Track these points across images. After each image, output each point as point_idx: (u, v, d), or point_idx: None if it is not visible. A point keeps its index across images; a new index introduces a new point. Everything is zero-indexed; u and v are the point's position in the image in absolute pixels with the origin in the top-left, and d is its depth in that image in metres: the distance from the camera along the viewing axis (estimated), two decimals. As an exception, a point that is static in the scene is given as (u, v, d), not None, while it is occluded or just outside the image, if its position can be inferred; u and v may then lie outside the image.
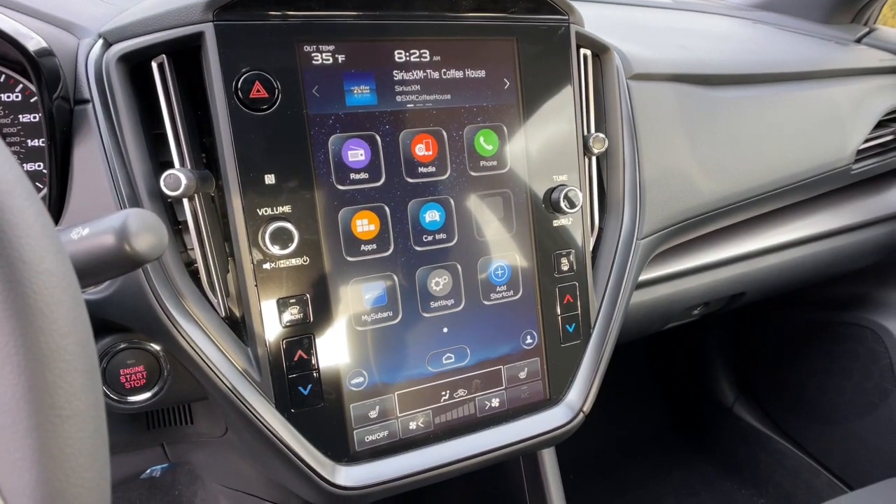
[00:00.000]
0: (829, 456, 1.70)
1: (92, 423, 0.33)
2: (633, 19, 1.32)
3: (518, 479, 1.07)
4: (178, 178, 0.60)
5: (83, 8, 0.71)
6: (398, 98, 0.70)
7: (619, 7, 1.46)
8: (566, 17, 0.78)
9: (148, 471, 1.30)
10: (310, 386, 0.68)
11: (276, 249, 0.63)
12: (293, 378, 0.67)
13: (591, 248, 0.84)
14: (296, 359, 0.67)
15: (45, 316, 0.30)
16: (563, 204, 0.77)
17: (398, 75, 0.70)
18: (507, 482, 1.09)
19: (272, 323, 0.65)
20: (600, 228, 0.87)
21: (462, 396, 0.76)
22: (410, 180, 0.71)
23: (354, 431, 0.71)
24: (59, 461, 0.31)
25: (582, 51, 0.83)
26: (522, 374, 0.79)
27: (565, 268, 0.80)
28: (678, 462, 1.92)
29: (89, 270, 0.42)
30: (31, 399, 0.30)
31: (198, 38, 0.62)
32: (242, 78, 0.62)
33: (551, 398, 0.81)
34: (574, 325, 0.82)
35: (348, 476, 0.69)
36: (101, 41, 0.66)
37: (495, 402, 0.78)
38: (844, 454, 1.66)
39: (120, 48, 0.63)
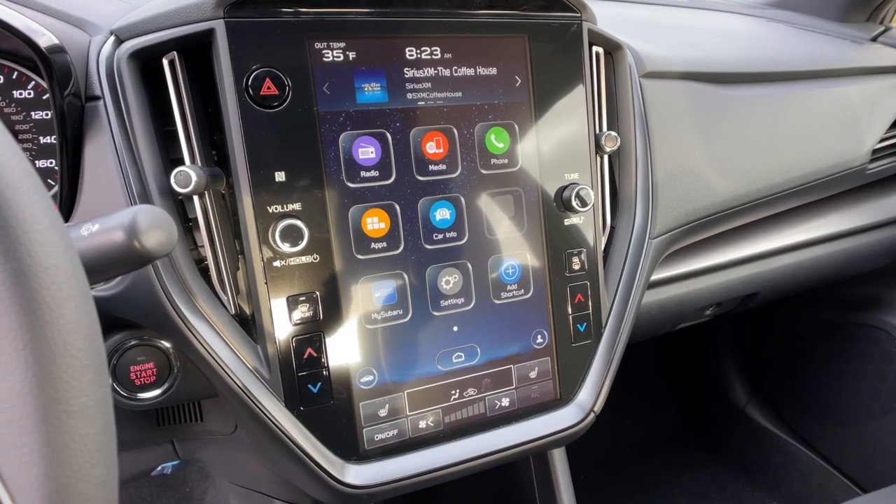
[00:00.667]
0: (843, 458, 1.69)
1: (100, 419, 0.32)
2: (646, 17, 1.32)
3: (528, 478, 1.06)
4: (188, 174, 0.60)
5: (95, 5, 0.71)
6: (409, 95, 0.70)
7: (631, 5, 1.46)
8: (578, 15, 0.78)
9: (159, 468, 1.31)
10: (319, 384, 0.68)
11: (286, 247, 0.63)
12: (303, 376, 0.67)
13: (602, 247, 0.83)
14: (305, 357, 0.67)
15: (53, 311, 0.30)
16: (574, 202, 0.76)
17: (409, 72, 0.70)
18: (517, 482, 1.09)
19: (282, 320, 0.65)
20: (612, 227, 0.86)
21: (472, 396, 0.76)
22: (421, 178, 0.71)
23: (364, 430, 0.71)
24: (66, 457, 0.31)
25: (594, 48, 0.83)
26: (533, 374, 0.79)
27: (576, 267, 0.80)
28: (689, 463, 1.90)
29: (99, 267, 0.42)
30: (38, 394, 0.30)
31: (209, 35, 0.62)
32: (253, 75, 0.62)
33: (562, 398, 0.81)
34: (585, 324, 0.81)
35: (358, 475, 0.69)
36: (112, 38, 0.66)
37: (505, 402, 0.78)
38: (858, 456, 1.65)
39: (131, 45, 0.63)
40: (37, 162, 0.75)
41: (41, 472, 0.30)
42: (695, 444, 1.99)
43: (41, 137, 0.74)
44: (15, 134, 0.74)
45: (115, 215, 0.42)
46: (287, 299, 0.65)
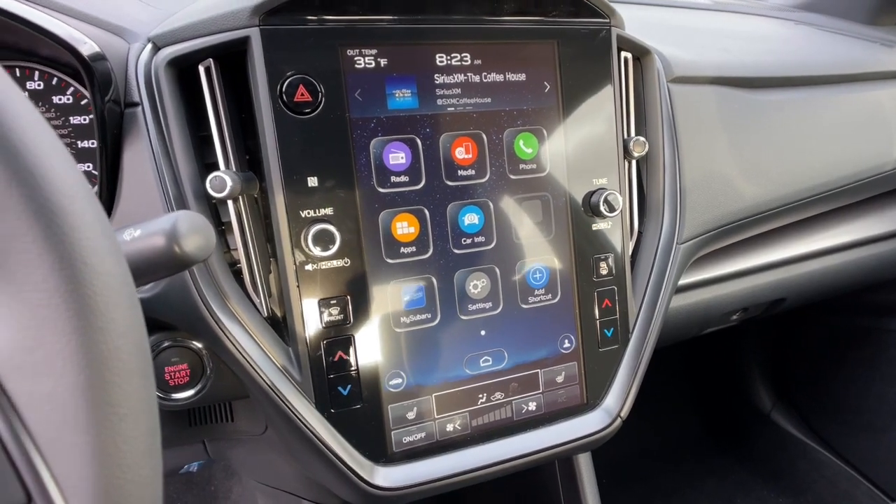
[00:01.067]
0: (870, 465, 1.67)
1: (147, 421, 0.33)
2: (673, 21, 1.31)
3: (553, 483, 1.06)
4: (223, 179, 0.61)
5: (132, 12, 0.73)
6: (439, 101, 0.70)
7: (658, 8, 1.45)
8: (607, 21, 0.78)
9: (185, 466, 1.33)
10: (349, 386, 0.68)
11: (317, 251, 0.64)
12: (333, 378, 0.68)
13: (630, 252, 0.84)
14: (335, 359, 0.67)
15: (105, 316, 0.31)
16: (602, 207, 0.76)
17: (439, 79, 0.70)
18: (543, 486, 1.09)
19: (313, 323, 0.66)
20: (640, 232, 0.86)
21: (499, 399, 0.76)
22: (450, 183, 0.72)
23: (392, 432, 0.71)
24: (117, 458, 0.32)
25: (622, 53, 0.83)
26: (560, 378, 0.79)
27: (604, 272, 0.80)
28: (714, 469, 1.89)
29: (140, 271, 0.43)
30: (90, 397, 0.31)
31: (244, 42, 0.63)
32: (287, 81, 0.63)
33: (588, 403, 0.81)
34: (612, 329, 0.81)
35: (386, 477, 0.70)
36: (150, 45, 0.67)
37: (532, 406, 0.78)
38: (886, 463, 1.62)
39: (169, 52, 0.64)
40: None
41: (93, 472, 0.31)
42: (719, 450, 1.97)
43: (79, 142, 0.76)
44: (54, 139, 0.76)
45: (156, 221, 0.43)
46: (318, 302, 0.66)
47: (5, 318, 0.30)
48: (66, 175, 0.32)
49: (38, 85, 0.73)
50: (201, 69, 0.65)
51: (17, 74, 0.73)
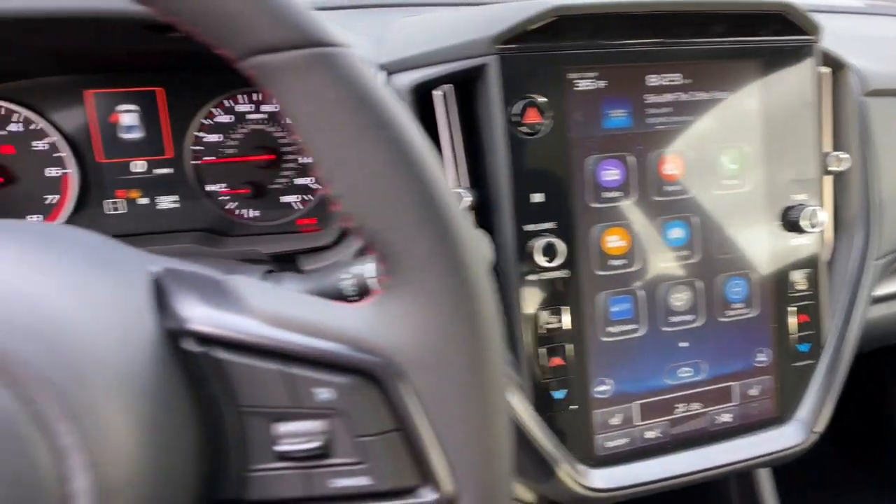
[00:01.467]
0: None
1: (507, 415, 0.38)
2: (839, 28, 1.28)
3: (726, 497, 1.07)
4: (462, 196, 0.66)
5: (352, 42, 0.79)
6: (649, 120, 0.73)
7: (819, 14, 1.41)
8: (812, 38, 0.78)
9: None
10: (563, 391, 0.72)
11: (540, 262, 0.68)
12: (549, 382, 0.71)
13: (826, 268, 0.83)
14: (552, 364, 0.71)
15: (489, 326, 0.36)
16: (802, 223, 0.77)
17: (650, 98, 0.73)
18: (716, 497, 1.10)
19: (533, 330, 0.70)
20: (834, 248, 0.86)
21: (696, 410, 0.78)
22: (658, 199, 0.74)
23: (596, 436, 0.75)
24: (496, 448, 0.37)
25: (820, 68, 0.83)
26: (753, 392, 0.80)
27: (801, 287, 0.80)
28: (844, 490, 1.81)
29: None
30: (481, 396, 0.36)
31: (479, 69, 0.68)
32: (519, 105, 0.67)
33: (781, 417, 0.82)
34: (806, 344, 0.82)
35: (601, 478, 0.73)
36: (382, 73, 0.73)
37: (727, 417, 0.80)
38: None
39: (413, 79, 0.70)
40: (298, 180, 0.85)
41: (481, 459, 0.36)
42: (852, 468, 1.89)
43: (300, 158, 0.84)
44: (281, 154, 0.84)
45: None
46: (538, 310, 0.70)
47: (418, 328, 0.35)
48: (458, 207, 0.37)
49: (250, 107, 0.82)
50: (437, 94, 0.70)
51: (241, 100, 0.82)
